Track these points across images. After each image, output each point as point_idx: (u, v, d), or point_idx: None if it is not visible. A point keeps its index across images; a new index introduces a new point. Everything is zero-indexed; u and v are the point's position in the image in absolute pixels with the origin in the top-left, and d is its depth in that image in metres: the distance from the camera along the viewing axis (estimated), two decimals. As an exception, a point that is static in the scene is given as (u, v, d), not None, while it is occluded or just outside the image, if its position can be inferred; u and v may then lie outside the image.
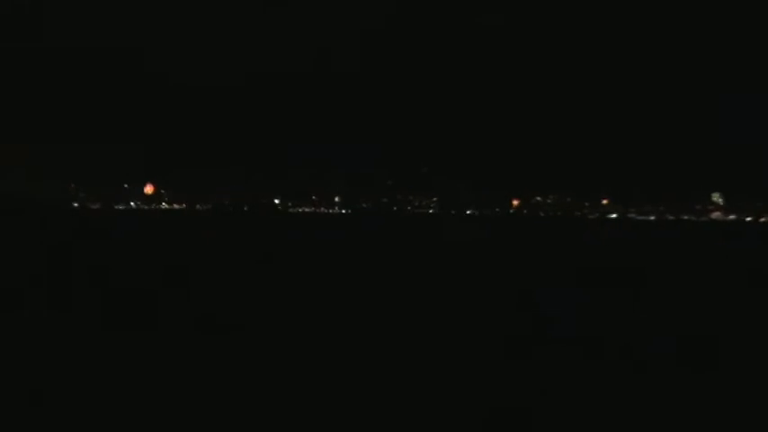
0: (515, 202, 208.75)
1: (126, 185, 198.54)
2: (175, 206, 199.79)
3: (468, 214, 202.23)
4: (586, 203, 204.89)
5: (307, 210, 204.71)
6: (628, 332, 12.76)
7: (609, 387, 9.01)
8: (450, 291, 18.17)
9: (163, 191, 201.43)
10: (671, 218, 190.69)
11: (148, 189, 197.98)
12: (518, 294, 17.84)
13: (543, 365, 10.03)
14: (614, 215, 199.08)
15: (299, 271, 23.31)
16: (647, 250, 43.26)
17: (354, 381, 9.12)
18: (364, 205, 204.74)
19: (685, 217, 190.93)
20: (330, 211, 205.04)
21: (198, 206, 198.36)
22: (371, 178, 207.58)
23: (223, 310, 14.46)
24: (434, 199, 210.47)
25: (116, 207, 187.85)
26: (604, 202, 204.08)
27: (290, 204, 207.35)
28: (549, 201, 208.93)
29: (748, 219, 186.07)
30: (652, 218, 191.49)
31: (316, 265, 26.32)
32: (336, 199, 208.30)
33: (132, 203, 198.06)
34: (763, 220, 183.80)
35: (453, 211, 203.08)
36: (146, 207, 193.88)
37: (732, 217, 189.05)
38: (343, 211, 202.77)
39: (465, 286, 19.37)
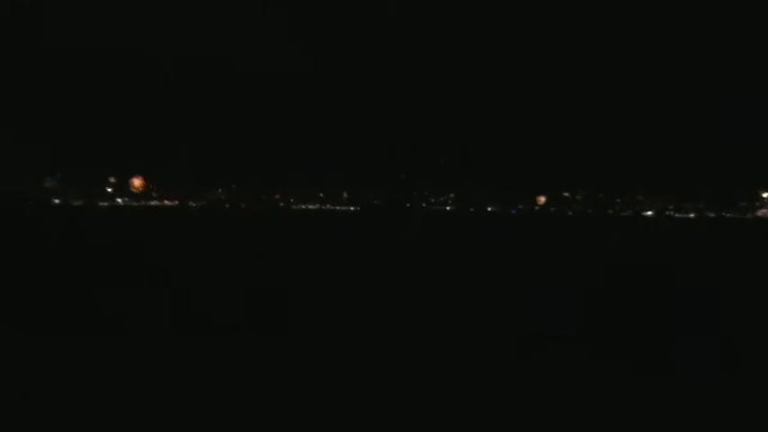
0: (541, 199, 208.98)
1: (112, 180, 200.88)
2: (167, 203, 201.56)
3: (490, 211, 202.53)
4: (618, 200, 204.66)
5: (311, 207, 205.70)
6: (655, 339, 12.88)
7: (632, 392, 9.35)
8: (445, 296, 18.24)
9: (152, 186, 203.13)
10: (712, 215, 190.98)
11: (137, 183, 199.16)
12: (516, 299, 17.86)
13: (553, 371, 10.35)
14: (650, 212, 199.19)
15: (293, 272, 23.54)
16: (685, 250, 42.55)
17: (353, 382, 9.61)
18: (375, 202, 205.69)
19: (728, 215, 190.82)
20: (337, 208, 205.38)
21: (191, 203, 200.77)
22: (383, 172, 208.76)
23: (211, 311, 14.91)
24: (452, 195, 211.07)
25: (101, 204, 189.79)
26: (639, 198, 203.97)
27: (291, 201, 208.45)
28: (578, 197, 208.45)
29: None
30: (692, 215, 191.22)
31: (311, 265, 26.46)
32: (345, 195, 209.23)
33: (119, 200, 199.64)
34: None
35: (472, 209, 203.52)
36: (134, 204, 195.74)
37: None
38: (352, 209, 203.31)
39: (460, 291, 19.32)
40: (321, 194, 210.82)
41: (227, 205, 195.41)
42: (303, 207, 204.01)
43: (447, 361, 10.75)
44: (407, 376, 9.81)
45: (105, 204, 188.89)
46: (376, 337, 12.50)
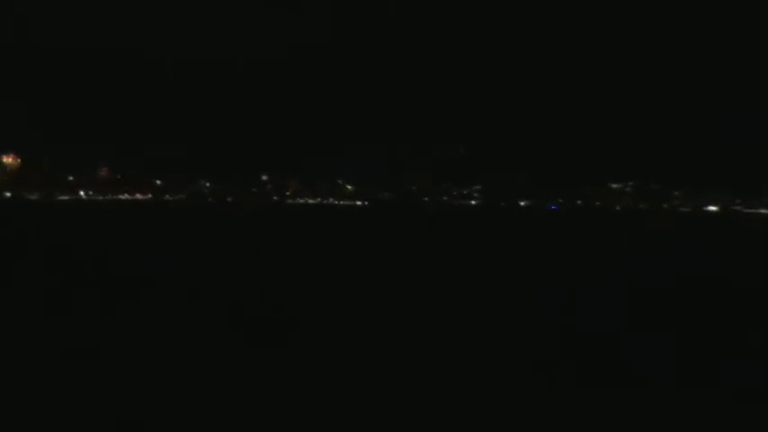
0: (585, 192, 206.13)
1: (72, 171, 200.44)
2: (139, 196, 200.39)
3: (523, 206, 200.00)
4: (676, 192, 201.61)
5: (311, 201, 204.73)
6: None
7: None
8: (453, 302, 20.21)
9: (120, 176, 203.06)
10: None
11: (104, 174, 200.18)
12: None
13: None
14: (714, 208, 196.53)
15: (287, 276, 25.77)
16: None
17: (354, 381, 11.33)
18: (386, 194, 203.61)
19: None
20: (340, 202, 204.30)
21: (167, 196, 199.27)
22: (398, 162, 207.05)
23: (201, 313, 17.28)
24: (477, 187, 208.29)
25: (60, 198, 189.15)
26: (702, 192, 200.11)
27: (288, 194, 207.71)
28: (627, 189, 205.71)
29: None
30: (763, 211, 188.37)
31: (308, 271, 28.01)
32: (349, 187, 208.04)
33: (82, 193, 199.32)
34: None
35: (503, 203, 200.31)
36: (100, 198, 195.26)
37: None
38: (359, 203, 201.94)
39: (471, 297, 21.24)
40: (320, 187, 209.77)
41: (209, 199, 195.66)
42: (301, 201, 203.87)
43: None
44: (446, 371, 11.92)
45: (65, 198, 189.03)
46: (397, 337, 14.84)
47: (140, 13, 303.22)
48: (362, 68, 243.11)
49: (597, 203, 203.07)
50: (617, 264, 34.54)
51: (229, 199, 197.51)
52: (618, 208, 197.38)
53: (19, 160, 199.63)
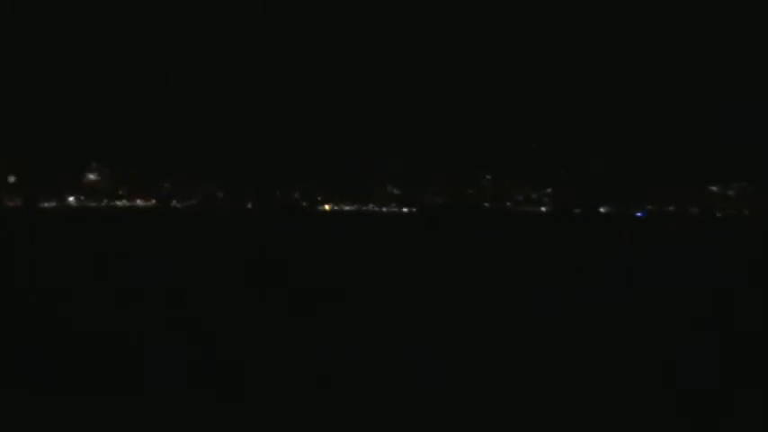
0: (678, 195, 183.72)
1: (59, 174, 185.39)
2: (139, 202, 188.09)
3: (603, 213, 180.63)
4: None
5: (347, 208, 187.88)
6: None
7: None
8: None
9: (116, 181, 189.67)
10: None
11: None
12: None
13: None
14: None
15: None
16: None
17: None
18: (438, 200, 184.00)
19: None
20: (384, 209, 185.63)
21: (174, 203, 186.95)
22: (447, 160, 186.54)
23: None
24: (548, 190, 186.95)
25: (44, 205, 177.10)
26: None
27: (319, 199, 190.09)
28: (730, 193, 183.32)
29: None
30: None
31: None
32: (395, 191, 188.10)
33: (71, 198, 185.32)
34: None
35: (577, 210, 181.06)
36: (93, 204, 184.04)
37: None
38: (405, 210, 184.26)
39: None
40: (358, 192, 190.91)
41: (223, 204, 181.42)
42: (333, 208, 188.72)
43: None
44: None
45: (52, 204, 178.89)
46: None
47: (140, 13, 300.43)
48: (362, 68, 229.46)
49: (694, 209, 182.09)
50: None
51: (249, 205, 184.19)
52: (719, 215, 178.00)
53: None
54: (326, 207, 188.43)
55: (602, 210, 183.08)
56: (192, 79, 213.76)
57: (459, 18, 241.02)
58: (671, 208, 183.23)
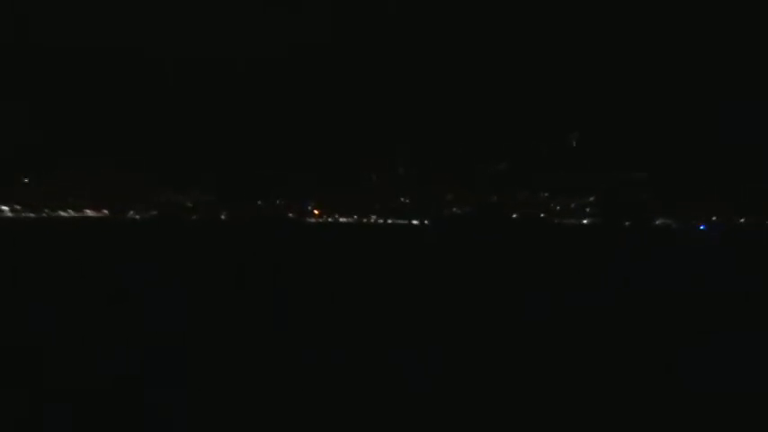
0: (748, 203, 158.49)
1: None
2: (89, 213, 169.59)
3: (658, 226, 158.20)
4: None
5: (342, 220, 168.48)
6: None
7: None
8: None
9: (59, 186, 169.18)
10: None
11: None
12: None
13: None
14: None
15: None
16: None
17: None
18: (457, 210, 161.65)
19: None
20: (388, 222, 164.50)
21: (132, 213, 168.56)
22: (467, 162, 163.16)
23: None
24: (591, 199, 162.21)
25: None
26: None
27: (309, 209, 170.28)
28: None
29: None
30: None
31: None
32: (403, 200, 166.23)
33: (5, 207, 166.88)
34: None
35: (628, 222, 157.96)
36: (31, 215, 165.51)
37: None
38: (414, 222, 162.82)
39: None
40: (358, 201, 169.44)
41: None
42: (329, 220, 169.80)
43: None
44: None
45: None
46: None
47: (140, 13, 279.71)
48: (362, 68, 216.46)
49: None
50: None
51: (223, 216, 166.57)
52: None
53: None
54: (316, 212, 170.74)
55: (657, 222, 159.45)
56: (192, 79, 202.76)
57: (461, 18, 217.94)
58: (741, 220, 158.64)
